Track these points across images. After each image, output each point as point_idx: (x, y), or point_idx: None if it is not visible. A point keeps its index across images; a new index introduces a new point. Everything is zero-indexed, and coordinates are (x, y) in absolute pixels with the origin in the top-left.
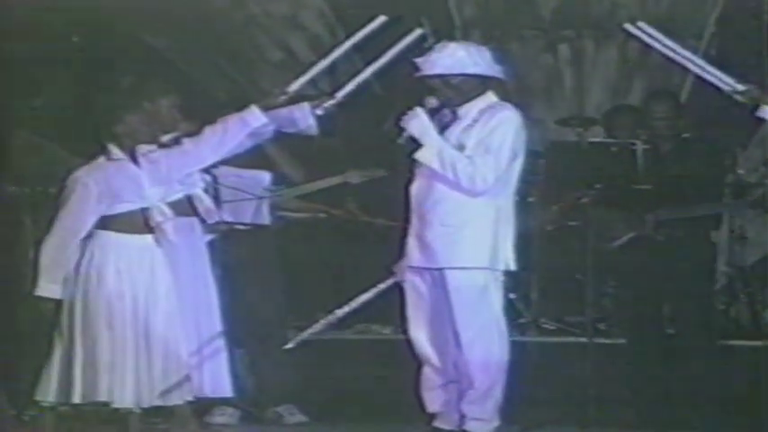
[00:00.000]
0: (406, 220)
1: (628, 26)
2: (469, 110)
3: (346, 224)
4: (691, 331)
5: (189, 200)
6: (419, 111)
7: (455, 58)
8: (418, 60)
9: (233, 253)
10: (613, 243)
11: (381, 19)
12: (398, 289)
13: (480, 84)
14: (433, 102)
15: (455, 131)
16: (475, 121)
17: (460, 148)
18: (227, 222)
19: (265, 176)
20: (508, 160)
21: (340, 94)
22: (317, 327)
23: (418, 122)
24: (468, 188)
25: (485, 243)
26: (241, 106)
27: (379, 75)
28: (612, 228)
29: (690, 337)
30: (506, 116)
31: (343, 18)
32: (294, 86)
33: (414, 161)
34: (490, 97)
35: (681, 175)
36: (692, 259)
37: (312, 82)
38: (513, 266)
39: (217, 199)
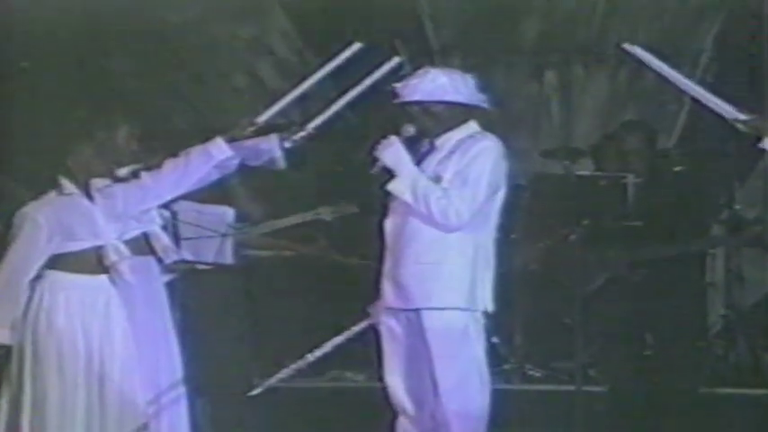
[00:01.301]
0: (381, 259)
1: (627, 46)
2: (448, 140)
3: (317, 263)
4: (677, 378)
5: (146, 237)
6: (394, 140)
7: (436, 84)
8: (397, 86)
9: (194, 294)
10: (590, 286)
11: (356, 46)
12: (374, 332)
13: (461, 113)
14: (410, 130)
15: (432, 163)
16: (452, 151)
17: (437, 180)
18: (187, 262)
19: (229, 212)
20: (486, 194)
21: (311, 126)
22: (285, 372)
23: (393, 152)
24: (441, 223)
25: (462, 282)
26: (205, 137)
27: (352, 104)
28: (591, 269)
29: (675, 385)
30: (485, 146)
31: (311, 41)
32: (263, 117)
33: (388, 194)
34: (472, 127)
35: (672, 211)
36: (678, 301)
37: (281, 111)
38: (490, 307)
39: (176, 236)
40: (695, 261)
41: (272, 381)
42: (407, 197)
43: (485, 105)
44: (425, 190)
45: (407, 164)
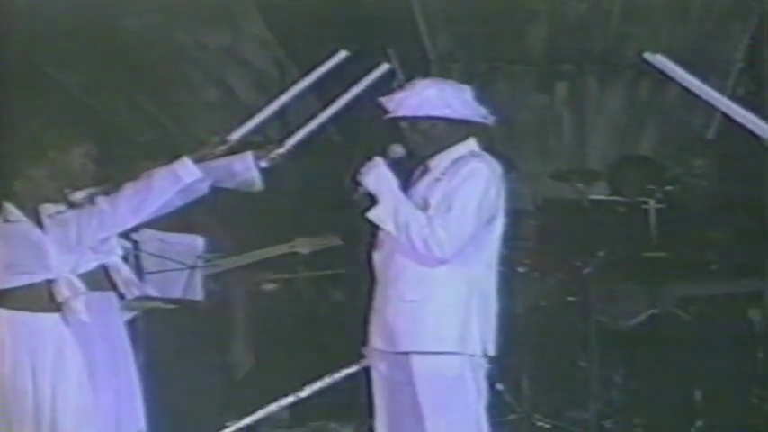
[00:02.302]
0: (370, 295)
1: (648, 55)
2: (441, 161)
3: (298, 298)
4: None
5: (105, 270)
6: (378, 161)
7: (422, 97)
8: (383, 100)
9: (159, 335)
10: (630, 321)
11: (342, 54)
12: (365, 377)
13: (456, 130)
14: (397, 151)
15: (421, 187)
16: (444, 174)
17: (425, 206)
18: (151, 298)
19: (198, 242)
20: (475, 222)
21: (290, 143)
22: (260, 414)
23: (376, 175)
24: (424, 254)
25: (452, 322)
26: (170, 156)
27: (337, 119)
28: (623, 303)
29: None
30: (474, 168)
31: (292, 50)
32: (237, 134)
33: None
34: (469, 146)
35: (704, 241)
36: (725, 342)
37: (257, 127)
38: (491, 350)
39: (139, 269)
40: (745, 298)
41: (242, 423)
42: (389, 226)
43: (483, 121)
44: (407, 218)
45: (391, 189)
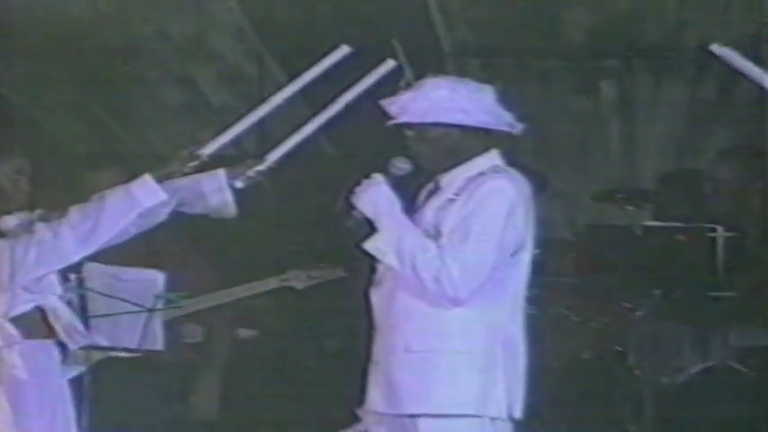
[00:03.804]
0: (368, 344)
1: (715, 48)
2: (455, 178)
3: (284, 346)
4: None
5: (42, 315)
6: (377, 179)
7: (431, 99)
8: (384, 102)
9: (110, 395)
10: (677, 376)
11: (344, 50)
12: None
13: (474, 140)
14: (401, 166)
15: (430, 210)
16: (458, 194)
17: (436, 234)
18: (100, 348)
19: (158, 278)
20: (497, 253)
21: (271, 157)
22: None
23: (374, 195)
24: (434, 294)
25: (471, 377)
26: (124, 173)
27: (330, 127)
28: (673, 354)
29: None
30: (496, 187)
31: (273, 42)
32: (211, 147)
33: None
34: (491, 160)
35: None
36: None
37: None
38: (518, 413)
39: (84, 313)
40: None
41: None
42: (391, 259)
43: (508, 129)
44: (413, 249)
45: (392, 213)
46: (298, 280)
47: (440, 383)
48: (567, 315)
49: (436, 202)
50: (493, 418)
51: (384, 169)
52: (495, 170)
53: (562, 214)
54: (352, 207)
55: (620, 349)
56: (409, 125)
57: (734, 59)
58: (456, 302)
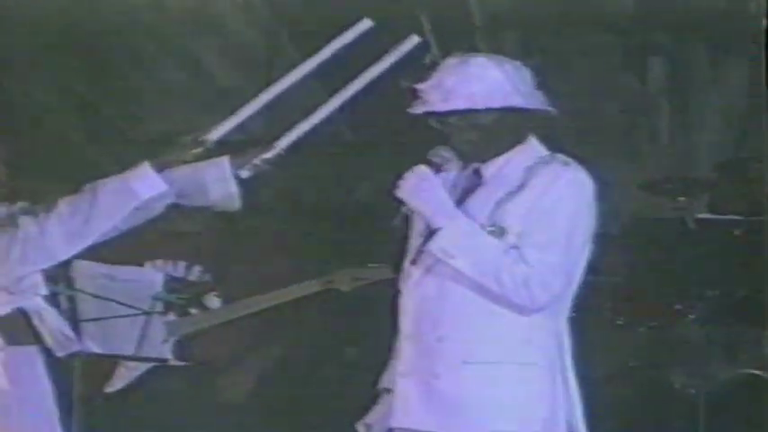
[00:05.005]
0: (391, 350)
1: None
2: (504, 167)
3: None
4: None
5: (26, 318)
6: (425, 171)
7: (487, 81)
8: (422, 87)
9: (102, 404)
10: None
11: (366, 24)
12: None
13: (515, 124)
14: (445, 155)
15: (481, 203)
16: (520, 186)
17: (500, 233)
18: (93, 355)
19: (155, 278)
20: (579, 255)
21: (282, 144)
22: None
23: (426, 191)
24: (519, 303)
25: (543, 391)
26: (117, 162)
27: (349, 110)
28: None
29: None
30: (576, 180)
31: (287, 14)
32: (216, 134)
33: (403, 255)
34: (534, 147)
35: None
36: None
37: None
38: (583, 429)
39: (74, 316)
40: None
41: None
42: (460, 263)
43: (551, 110)
44: (491, 252)
45: (451, 211)
46: (343, 282)
47: (513, 399)
48: (613, 320)
49: (487, 194)
50: None
51: (425, 159)
52: (554, 159)
53: (606, 206)
54: (399, 202)
55: (670, 357)
56: (459, 112)
57: None
58: (539, 309)
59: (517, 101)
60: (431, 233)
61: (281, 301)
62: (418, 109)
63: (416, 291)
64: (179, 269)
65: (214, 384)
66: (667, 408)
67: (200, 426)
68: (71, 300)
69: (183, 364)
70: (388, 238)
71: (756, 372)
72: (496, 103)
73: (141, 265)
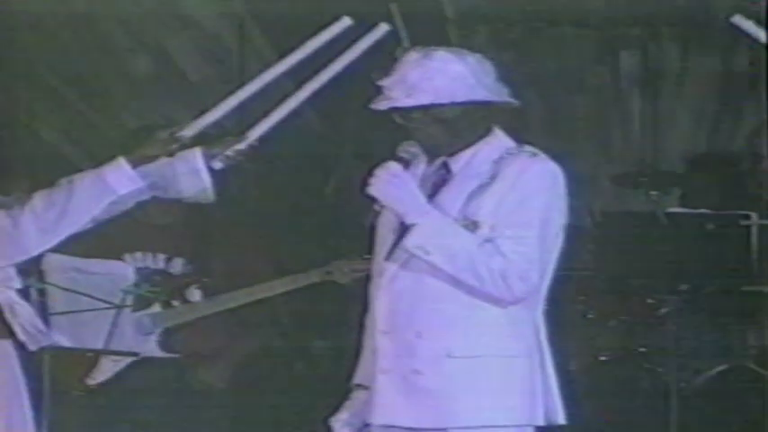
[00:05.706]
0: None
1: (737, 19)
2: (470, 161)
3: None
4: None
5: None
6: (395, 167)
7: (450, 75)
8: (386, 84)
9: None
10: (696, 378)
11: (345, 22)
12: None
13: (482, 116)
14: (411, 150)
15: (452, 197)
16: (492, 178)
17: (473, 226)
18: (62, 349)
19: (127, 270)
20: (553, 246)
21: (253, 135)
22: None
23: (397, 187)
24: (498, 296)
25: (524, 383)
26: (87, 156)
27: (317, 101)
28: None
29: None
30: (547, 171)
31: (259, 7)
32: (192, 129)
33: (392, 248)
34: (501, 139)
35: None
36: None
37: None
38: (562, 418)
39: (44, 310)
40: None
41: None
42: (436, 258)
43: (514, 102)
44: (466, 245)
45: (424, 207)
46: (341, 273)
47: (490, 392)
48: (584, 313)
49: (457, 188)
50: (539, 427)
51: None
52: (522, 150)
53: (578, 200)
54: (371, 199)
55: (642, 350)
56: (425, 107)
57: (755, 33)
58: (517, 300)
59: (481, 94)
60: (404, 229)
61: (277, 292)
62: (382, 105)
63: (391, 286)
64: (158, 261)
65: (195, 376)
66: (631, 400)
67: (178, 418)
68: (41, 293)
69: (157, 356)
70: (364, 232)
71: (727, 366)
72: (460, 98)
73: (120, 258)
